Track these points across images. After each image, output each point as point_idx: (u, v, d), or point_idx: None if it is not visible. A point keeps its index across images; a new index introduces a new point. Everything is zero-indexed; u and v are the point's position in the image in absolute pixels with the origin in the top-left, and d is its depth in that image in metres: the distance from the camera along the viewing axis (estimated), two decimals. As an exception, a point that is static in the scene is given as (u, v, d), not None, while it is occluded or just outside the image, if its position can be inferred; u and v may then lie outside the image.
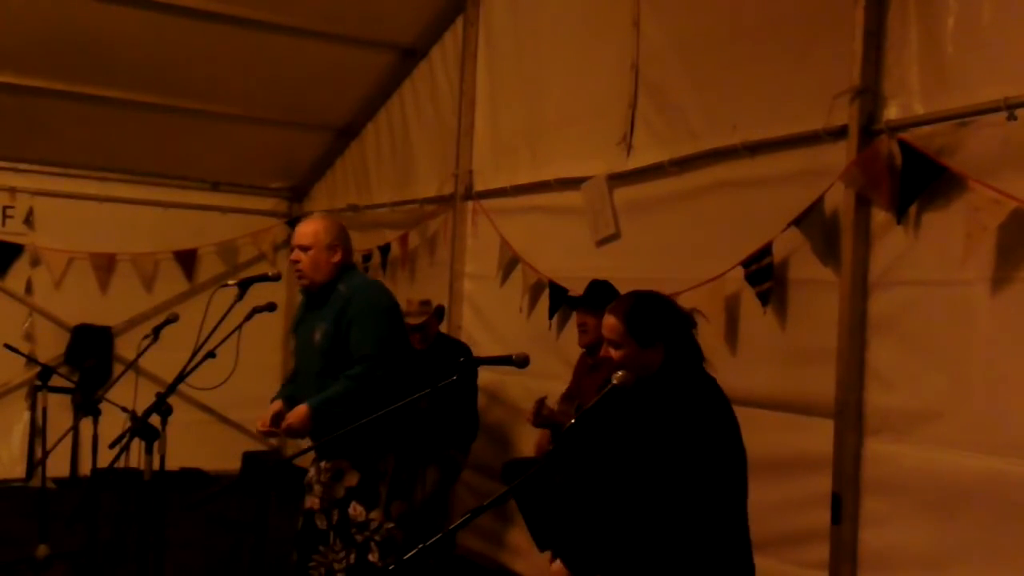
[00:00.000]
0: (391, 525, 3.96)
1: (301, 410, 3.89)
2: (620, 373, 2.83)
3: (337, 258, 3.99)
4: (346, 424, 3.69)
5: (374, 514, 3.94)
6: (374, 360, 3.87)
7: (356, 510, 3.94)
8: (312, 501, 4.08)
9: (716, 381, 2.96)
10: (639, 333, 2.90)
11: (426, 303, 5.69)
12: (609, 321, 2.95)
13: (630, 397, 2.89)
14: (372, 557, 3.92)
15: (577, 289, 4.88)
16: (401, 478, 4.01)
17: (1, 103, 6.85)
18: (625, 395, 2.85)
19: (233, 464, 8.01)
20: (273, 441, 8.52)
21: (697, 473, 2.76)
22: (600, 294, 4.54)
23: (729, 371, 3.48)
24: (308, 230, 4.00)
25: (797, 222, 3.87)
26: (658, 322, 2.94)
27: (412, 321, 5.41)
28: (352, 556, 3.94)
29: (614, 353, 2.93)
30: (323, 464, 4.06)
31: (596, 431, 3.03)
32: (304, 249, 3.97)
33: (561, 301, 5.28)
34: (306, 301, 4.14)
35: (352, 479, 3.96)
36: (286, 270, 8.18)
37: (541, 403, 4.58)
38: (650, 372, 2.92)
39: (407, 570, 2.23)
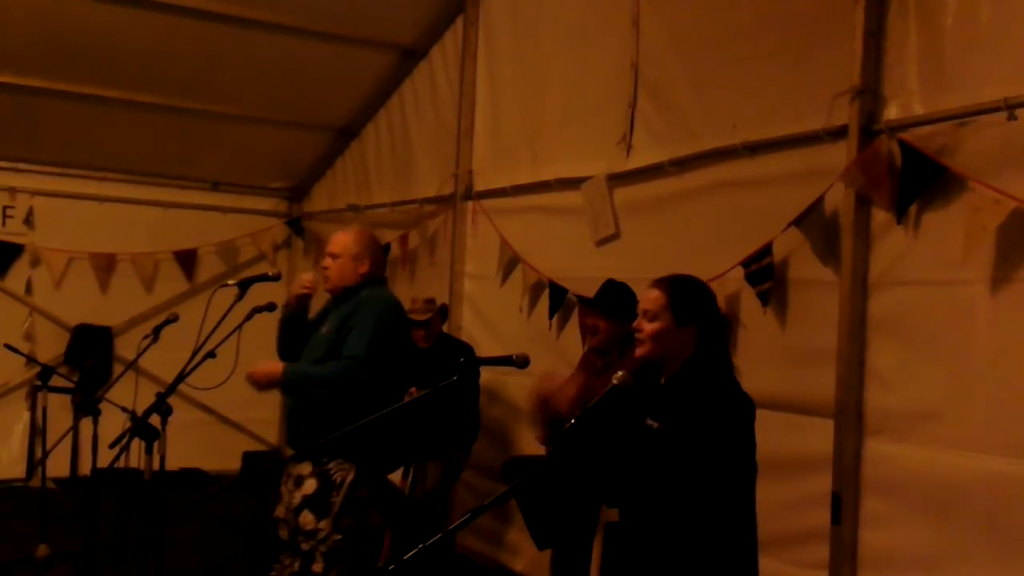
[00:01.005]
0: (338, 537, 3.93)
1: (276, 366, 4.02)
2: (620, 373, 2.84)
3: (364, 268, 4.15)
4: (313, 413, 3.84)
5: (323, 523, 3.92)
6: (360, 362, 3.91)
7: (307, 518, 3.93)
8: (280, 510, 4.10)
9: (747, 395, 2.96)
10: (679, 307, 2.91)
11: (430, 301, 5.69)
12: (652, 293, 2.96)
13: (662, 390, 2.90)
14: (316, 567, 3.91)
15: (576, 289, 4.87)
16: (356, 495, 3.97)
17: (1, 103, 6.84)
18: (649, 391, 2.85)
19: (233, 464, 8.01)
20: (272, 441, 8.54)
21: (722, 475, 2.76)
22: (615, 297, 4.32)
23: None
24: (340, 239, 4.18)
25: (797, 222, 3.87)
26: (700, 302, 2.96)
27: (416, 317, 5.42)
28: (297, 564, 3.94)
29: (647, 327, 2.93)
30: (289, 469, 4.09)
31: (621, 426, 3.02)
32: (334, 257, 4.15)
33: (561, 301, 5.28)
34: (332, 299, 4.25)
35: (310, 487, 3.95)
36: (286, 270, 8.24)
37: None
38: (677, 359, 2.92)
39: (407, 570, 2.22)
